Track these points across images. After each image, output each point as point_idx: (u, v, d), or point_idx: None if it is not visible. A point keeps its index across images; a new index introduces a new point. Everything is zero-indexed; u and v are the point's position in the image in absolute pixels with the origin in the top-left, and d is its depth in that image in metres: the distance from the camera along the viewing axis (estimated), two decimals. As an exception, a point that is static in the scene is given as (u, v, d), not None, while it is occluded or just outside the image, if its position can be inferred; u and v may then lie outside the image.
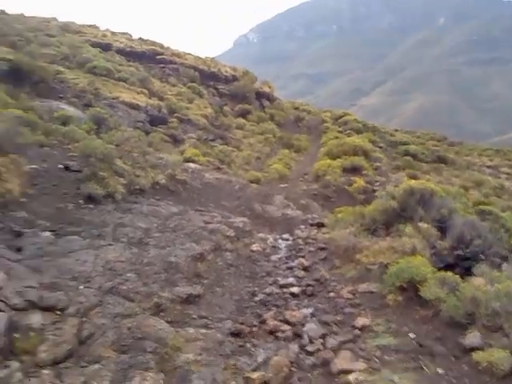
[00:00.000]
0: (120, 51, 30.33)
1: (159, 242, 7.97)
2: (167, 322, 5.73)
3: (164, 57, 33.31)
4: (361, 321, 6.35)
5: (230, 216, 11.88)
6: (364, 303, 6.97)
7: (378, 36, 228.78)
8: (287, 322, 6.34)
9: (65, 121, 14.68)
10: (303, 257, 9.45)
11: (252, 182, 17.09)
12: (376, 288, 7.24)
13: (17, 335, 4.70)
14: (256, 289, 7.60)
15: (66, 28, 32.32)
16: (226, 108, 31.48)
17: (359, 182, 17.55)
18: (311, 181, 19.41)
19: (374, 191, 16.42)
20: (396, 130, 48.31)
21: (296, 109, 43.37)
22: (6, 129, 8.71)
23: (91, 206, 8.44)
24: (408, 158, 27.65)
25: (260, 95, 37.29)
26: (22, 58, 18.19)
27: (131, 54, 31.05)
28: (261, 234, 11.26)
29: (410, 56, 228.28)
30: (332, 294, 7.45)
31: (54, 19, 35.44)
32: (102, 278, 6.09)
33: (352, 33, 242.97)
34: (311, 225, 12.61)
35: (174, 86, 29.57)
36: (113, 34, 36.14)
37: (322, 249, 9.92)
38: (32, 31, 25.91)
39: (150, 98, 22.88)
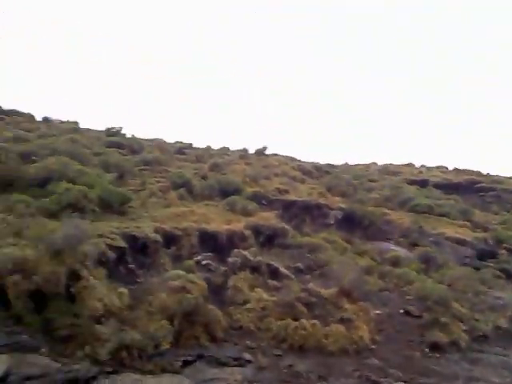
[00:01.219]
0: (436, 185, 30.90)
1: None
2: None
3: (483, 185, 32.12)
4: None
5: None
6: None
7: None
8: None
9: (395, 261, 15.62)
10: None
11: None
12: None
13: None
14: None
15: (385, 170, 35.41)
16: None
17: None
18: None
19: None
20: None
21: None
22: (355, 278, 9.93)
23: (437, 354, 8.45)
24: None
25: None
26: (352, 205, 20.86)
27: (447, 187, 31.14)
28: None
29: None
30: None
31: (374, 164, 39.28)
32: None
33: None
34: None
35: (496, 214, 27.76)
36: (428, 169, 37.36)
37: None
38: (357, 178, 29.44)
39: (473, 231, 22.06)
